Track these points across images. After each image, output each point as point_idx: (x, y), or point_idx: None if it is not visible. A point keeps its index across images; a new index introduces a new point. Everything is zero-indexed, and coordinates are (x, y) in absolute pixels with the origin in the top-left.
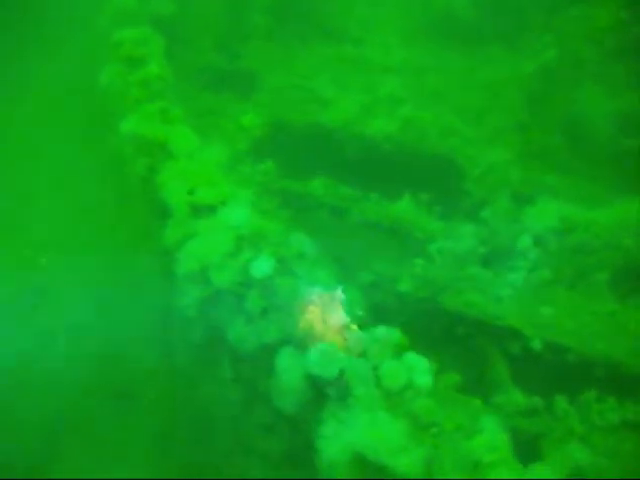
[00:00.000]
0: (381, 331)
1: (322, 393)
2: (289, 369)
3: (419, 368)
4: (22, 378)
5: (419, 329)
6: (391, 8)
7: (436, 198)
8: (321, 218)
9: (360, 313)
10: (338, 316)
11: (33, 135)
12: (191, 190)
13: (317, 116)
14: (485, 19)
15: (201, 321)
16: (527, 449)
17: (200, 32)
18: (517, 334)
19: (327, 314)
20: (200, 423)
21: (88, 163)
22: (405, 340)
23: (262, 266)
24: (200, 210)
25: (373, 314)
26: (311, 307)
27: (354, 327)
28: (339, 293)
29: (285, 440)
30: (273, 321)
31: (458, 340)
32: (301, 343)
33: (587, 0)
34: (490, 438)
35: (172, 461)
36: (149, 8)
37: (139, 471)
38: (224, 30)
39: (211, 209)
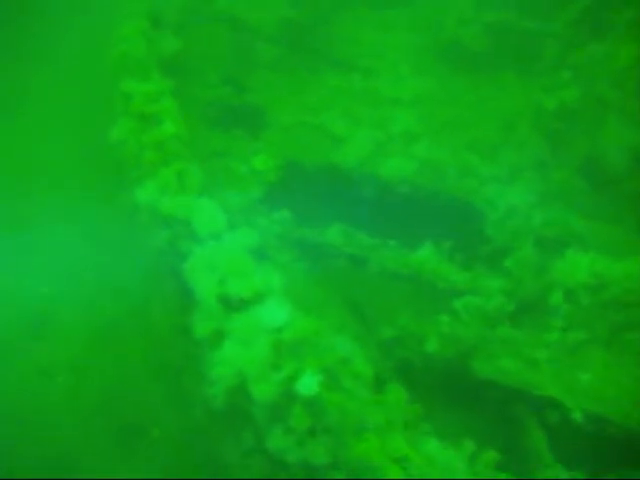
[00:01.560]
0: None
1: None
2: None
3: None
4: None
5: (448, 393)
6: (400, 35)
7: (456, 245)
8: (339, 268)
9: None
10: None
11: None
12: (222, 281)
13: (330, 155)
14: (496, 49)
15: (231, 411)
16: None
17: (206, 66)
18: (555, 403)
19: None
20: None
21: (102, 229)
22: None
23: (309, 383)
24: (232, 302)
25: (397, 372)
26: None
27: None
28: None
29: None
30: (322, 443)
31: (491, 408)
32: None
33: (604, 36)
34: None
35: None
36: (156, 49)
37: None
38: (230, 62)
39: (244, 303)
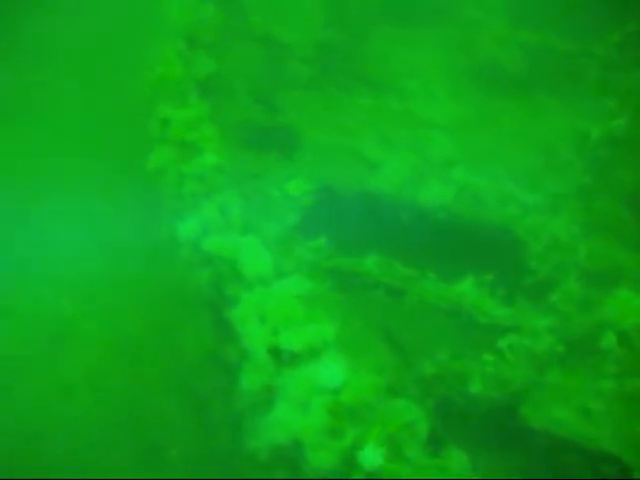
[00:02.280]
0: None
1: None
2: None
3: None
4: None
5: (492, 437)
6: (433, 54)
7: (498, 276)
8: (377, 299)
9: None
10: None
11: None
12: (273, 332)
13: (366, 181)
14: (534, 71)
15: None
16: None
17: (239, 85)
18: (613, 459)
19: None
20: None
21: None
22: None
23: (372, 456)
24: (283, 355)
25: (438, 412)
26: None
27: None
28: None
29: None
30: None
31: (540, 456)
32: None
33: None
34: None
35: None
36: (193, 71)
37: None
38: (263, 82)
39: (297, 357)
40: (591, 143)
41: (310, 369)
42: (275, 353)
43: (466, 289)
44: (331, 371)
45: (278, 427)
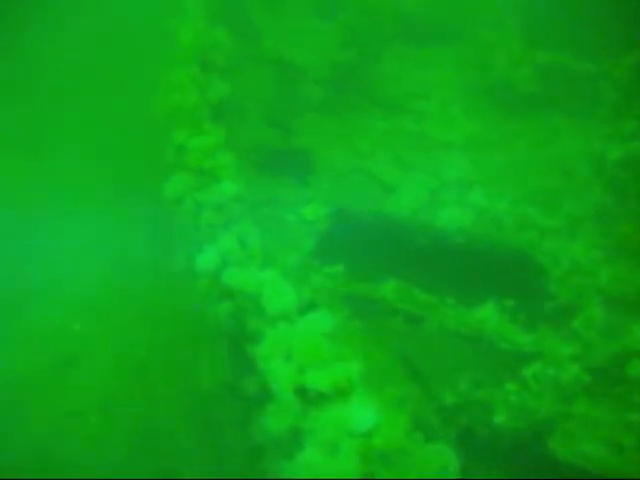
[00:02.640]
0: None
1: None
2: None
3: None
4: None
5: (521, 474)
6: (447, 74)
7: (518, 301)
8: (395, 326)
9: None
10: None
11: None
12: (299, 370)
13: (382, 204)
14: (549, 92)
15: None
16: None
17: (253, 108)
18: None
19: None
20: None
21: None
22: None
23: None
24: (309, 395)
25: (462, 443)
26: None
27: None
28: None
29: None
30: None
31: None
32: None
33: None
34: None
35: None
36: (207, 96)
37: None
38: (277, 105)
39: (325, 397)
40: (609, 165)
41: (338, 410)
42: (301, 393)
43: (486, 315)
44: (360, 413)
45: (306, 471)
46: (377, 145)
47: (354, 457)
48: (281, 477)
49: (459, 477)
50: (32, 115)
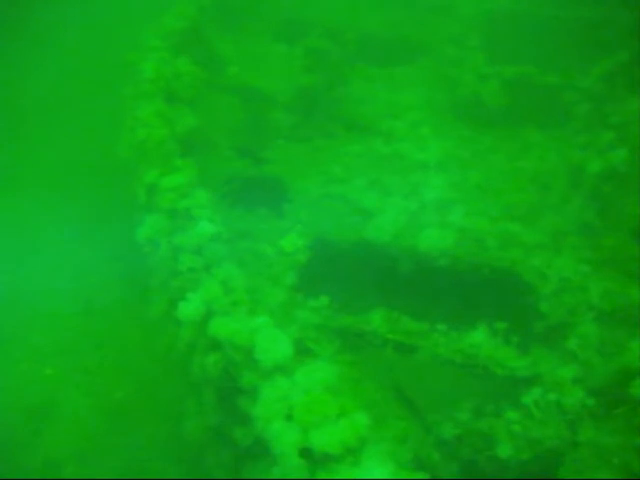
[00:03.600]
0: None
1: None
2: None
3: None
4: None
5: None
6: (414, 93)
7: (509, 323)
8: (387, 358)
9: None
10: None
11: None
12: (303, 430)
13: (361, 230)
14: (518, 106)
15: None
16: None
17: (221, 138)
18: None
19: None
20: None
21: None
22: None
23: None
24: (315, 456)
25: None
26: None
27: None
28: None
29: None
30: None
31: None
32: None
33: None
34: None
35: None
36: (174, 129)
37: None
38: (245, 133)
39: (333, 459)
40: (589, 177)
41: (350, 472)
42: (308, 455)
43: (479, 339)
44: (372, 475)
45: None
46: (351, 169)
47: None
48: None
49: None
50: None
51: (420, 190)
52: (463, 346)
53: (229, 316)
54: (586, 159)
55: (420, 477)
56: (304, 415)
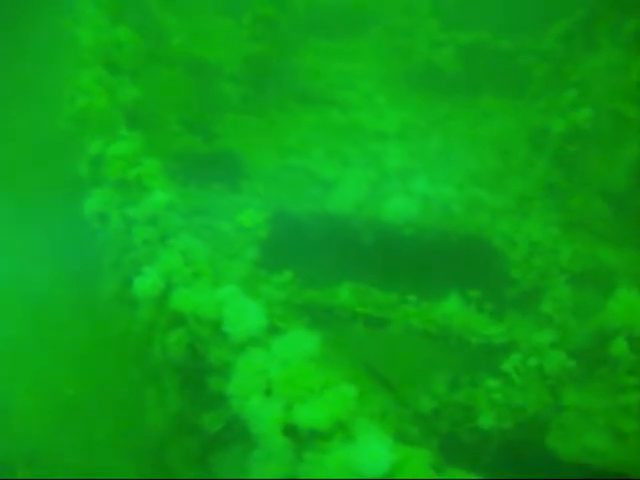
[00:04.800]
0: None
1: None
2: None
3: None
4: None
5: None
6: (367, 63)
7: (481, 290)
8: (357, 333)
9: None
10: None
11: None
12: (287, 409)
13: (322, 202)
14: (472, 72)
15: None
16: None
17: (168, 113)
18: None
19: None
20: None
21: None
22: None
23: None
24: (301, 435)
25: (446, 453)
26: None
27: None
28: None
29: None
30: None
31: None
32: None
33: (598, 49)
34: None
35: None
36: (118, 101)
37: None
38: (193, 107)
39: (322, 437)
40: (554, 139)
41: (343, 450)
42: (292, 433)
43: (451, 308)
44: (370, 452)
45: None
46: (307, 141)
47: None
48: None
49: None
50: None
51: (380, 159)
52: (435, 316)
53: (191, 288)
54: (547, 121)
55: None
56: (285, 389)
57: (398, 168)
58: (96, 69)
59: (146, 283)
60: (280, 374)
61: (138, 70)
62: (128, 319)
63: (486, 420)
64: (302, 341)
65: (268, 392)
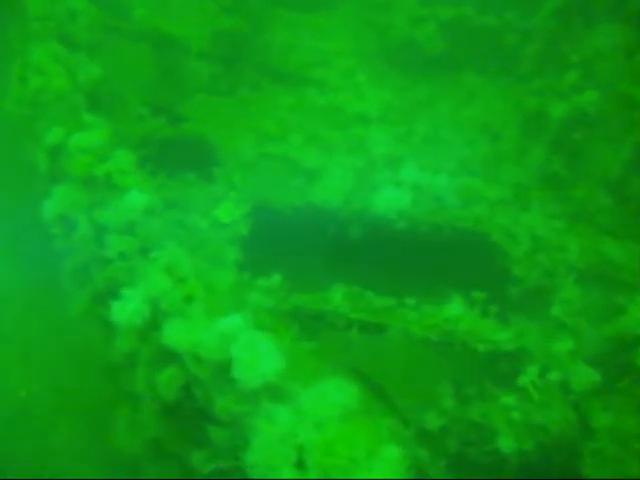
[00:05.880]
0: None
1: None
2: None
3: None
4: None
5: None
6: (344, 39)
7: (483, 290)
8: (352, 341)
9: None
10: None
11: None
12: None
13: (306, 193)
14: (456, 50)
15: None
16: None
17: (130, 93)
18: None
19: None
20: None
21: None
22: None
23: None
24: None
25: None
26: None
27: None
28: None
29: None
30: None
31: None
32: None
33: (594, 26)
34: None
35: None
36: (79, 80)
37: None
38: (159, 86)
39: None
40: (554, 124)
41: None
42: None
43: (455, 312)
44: None
45: None
46: (285, 124)
47: None
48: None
49: None
50: None
51: (365, 145)
52: (437, 321)
53: (184, 317)
54: (545, 104)
55: None
56: (323, 459)
57: (385, 155)
58: (50, 44)
59: (127, 310)
60: (314, 439)
61: (96, 45)
62: (100, 342)
63: (506, 442)
64: (336, 393)
65: (300, 463)
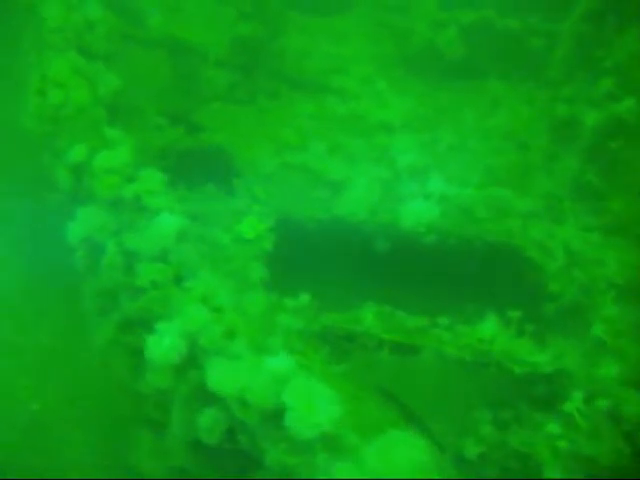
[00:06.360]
0: None
1: None
2: None
3: None
4: None
5: None
6: (362, 44)
7: (518, 308)
8: (383, 362)
9: None
10: None
11: None
12: None
13: (332, 206)
14: (478, 53)
15: None
16: None
17: (148, 103)
18: None
19: None
20: None
21: None
22: None
23: None
24: None
25: None
26: None
27: None
28: None
29: None
30: None
31: None
32: None
33: (626, 29)
34: None
35: None
36: (100, 93)
37: None
38: (176, 95)
39: None
40: (588, 133)
41: None
42: None
43: (489, 332)
44: None
45: None
46: (306, 133)
47: None
48: None
49: None
50: None
51: (389, 155)
52: (472, 341)
53: (227, 355)
54: (576, 112)
55: None
56: None
57: (410, 165)
58: (68, 55)
59: (163, 346)
60: None
61: (112, 55)
62: (124, 368)
63: (553, 473)
64: (405, 448)
65: None
